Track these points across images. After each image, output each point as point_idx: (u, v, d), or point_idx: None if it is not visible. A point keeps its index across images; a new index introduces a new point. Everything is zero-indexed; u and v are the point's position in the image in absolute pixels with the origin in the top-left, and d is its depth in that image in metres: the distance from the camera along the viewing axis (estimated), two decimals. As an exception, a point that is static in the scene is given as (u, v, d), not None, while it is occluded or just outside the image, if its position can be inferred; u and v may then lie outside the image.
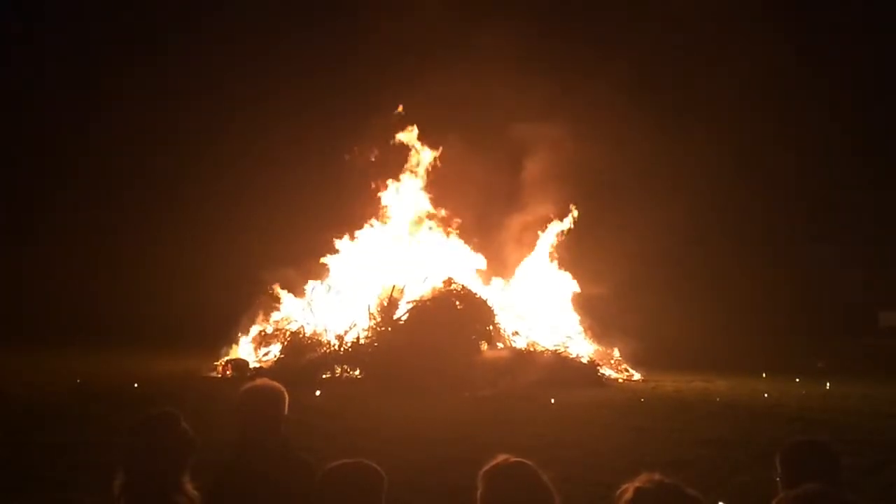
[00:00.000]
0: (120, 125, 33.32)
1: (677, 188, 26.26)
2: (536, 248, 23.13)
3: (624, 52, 26.75)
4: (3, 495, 7.98)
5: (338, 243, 22.58)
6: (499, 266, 23.01)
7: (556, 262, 23.11)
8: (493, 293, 22.08)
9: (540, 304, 22.48)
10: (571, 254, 22.99)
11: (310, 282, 22.05)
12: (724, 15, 27.21)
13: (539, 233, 23.22)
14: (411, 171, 23.19)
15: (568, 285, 22.90)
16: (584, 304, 22.88)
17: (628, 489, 2.98)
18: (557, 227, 23.15)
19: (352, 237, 22.68)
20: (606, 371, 20.86)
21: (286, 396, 4.49)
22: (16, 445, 10.22)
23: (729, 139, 27.76)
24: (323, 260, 22.36)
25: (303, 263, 22.48)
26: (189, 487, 4.08)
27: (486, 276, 22.80)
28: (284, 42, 32.18)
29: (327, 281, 22.02)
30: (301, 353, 19.84)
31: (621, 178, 26.98)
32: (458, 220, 22.94)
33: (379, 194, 23.18)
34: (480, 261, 22.68)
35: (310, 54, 32.27)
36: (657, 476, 2.97)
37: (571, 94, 22.98)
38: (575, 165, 22.60)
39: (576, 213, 23.07)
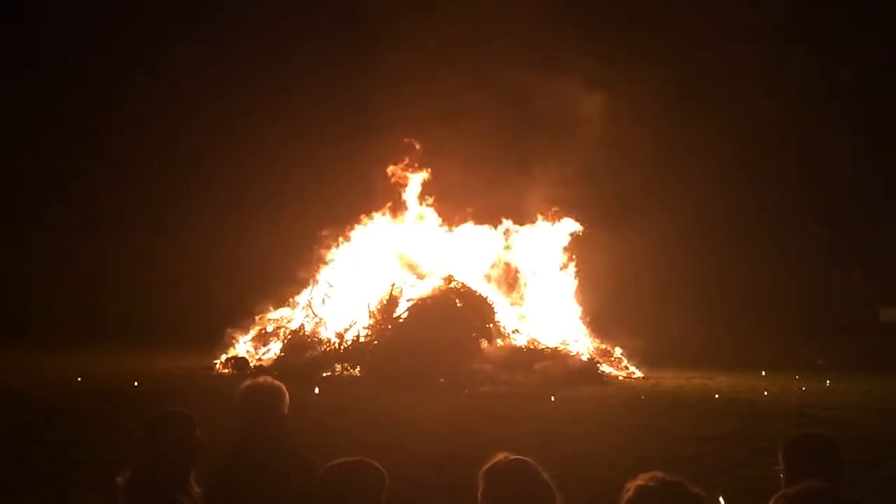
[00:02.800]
0: (123, 123, 33.27)
1: (679, 186, 26.24)
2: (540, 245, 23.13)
3: (634, 55, 26.78)
4: (3, 493, 7.98)
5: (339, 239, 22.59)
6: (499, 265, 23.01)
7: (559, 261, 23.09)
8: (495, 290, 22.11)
9: (543, 302, 22.46)
10: (576, 251, 22.98)
11: (312, 279, 22.07)
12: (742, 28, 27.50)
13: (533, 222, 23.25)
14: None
15: (570, 283, 22.87)
16: (585, 302, 22.87)
17: (630, 487, 2.98)
18: (562, 227, 23.15)
19: (365, 220, 22.68)
20: (606, 368, 20.86)
21: (286, 394, 4.49)
22: (16, 443, 10.22)
23: (731, 139, 27.77)
24: (324, 258, 22.37)
25: (304, 261, 22.50)
26: (193, 488, 4.09)
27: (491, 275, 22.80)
28: (288, 39, 32.12)
29: (329, 279, 22.00)
30: (301, 350, 19.85)
31: (623, 178, 27.02)
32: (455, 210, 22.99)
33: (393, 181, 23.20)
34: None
35: (316, 50, 32.20)
36: (659, 474, 2.96)
37: (578, 94, 23.00)
38: (583, 165, 22.66)
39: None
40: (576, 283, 22.78)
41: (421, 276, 21.53)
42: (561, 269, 22.88)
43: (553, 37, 23.45)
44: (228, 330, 21.41)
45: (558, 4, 24.02)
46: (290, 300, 22.17)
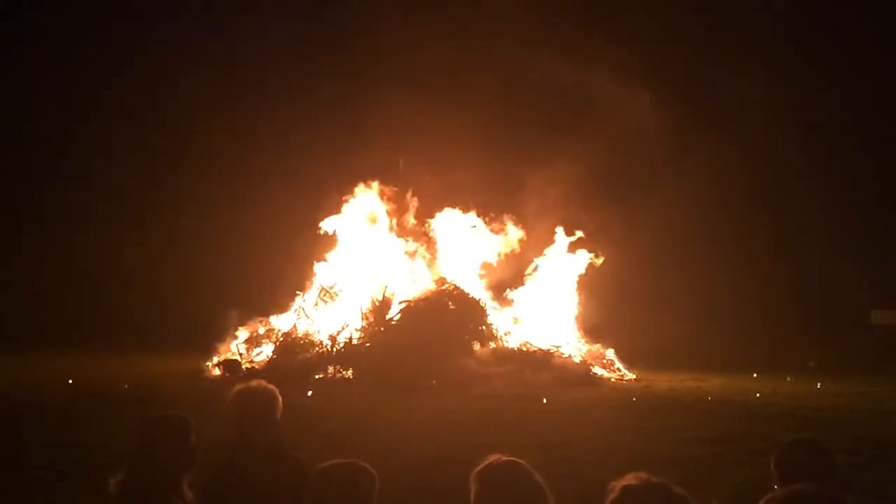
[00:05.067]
0: (121, 123, 33.15)
1: (676, 188, 26.26)
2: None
3: (636, 45, 26.79)
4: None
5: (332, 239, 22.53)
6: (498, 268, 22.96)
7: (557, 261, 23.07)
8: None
9: (537, 304, 22.43)
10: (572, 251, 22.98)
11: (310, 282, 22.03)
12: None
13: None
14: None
15: (567, 284, 22.84)
16: (579, 303, 22.84)
17: (615, 487, 3.00)
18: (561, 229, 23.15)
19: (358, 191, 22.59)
20: (599, 370, 20.83)
21: (279, 398, 4.50)
22: (11, 446, 10.19)
23: (730, 140, 27.82)
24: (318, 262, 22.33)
25: (297, 263, 22.45)
26: (186, 492, 4.10)
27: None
28: (284, 37, 32.05)
29: (322, 282, 21.95)
30: (294, 353, 19.81)
31: (621, 178, 27.04)
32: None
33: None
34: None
35: (319, 46, 32.09)
36: (644, 474, 2.98)
37: (580, 93, 22.98)
38: (581, 166, 22.66)
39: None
40: (573, 283, 22.72)
41: (414, 280, 21.51)
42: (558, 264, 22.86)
43: (561, 24, 23.42)
44: (223, 324, 21.33)
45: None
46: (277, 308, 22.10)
